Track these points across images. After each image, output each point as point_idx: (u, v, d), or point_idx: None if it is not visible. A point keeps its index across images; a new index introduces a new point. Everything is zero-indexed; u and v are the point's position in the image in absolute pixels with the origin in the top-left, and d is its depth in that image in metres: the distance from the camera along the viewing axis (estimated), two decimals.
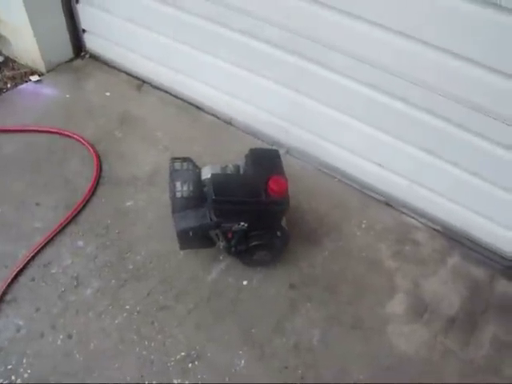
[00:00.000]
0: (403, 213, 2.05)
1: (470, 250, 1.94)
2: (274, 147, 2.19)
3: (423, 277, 1.84)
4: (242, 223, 1.61)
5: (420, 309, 1.75)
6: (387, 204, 2.07)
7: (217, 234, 1.65)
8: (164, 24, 2.21)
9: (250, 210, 1.59)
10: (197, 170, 1.69)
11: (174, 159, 1.67)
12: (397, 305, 1.75)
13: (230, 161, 1.73)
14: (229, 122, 2.34)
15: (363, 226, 1.99)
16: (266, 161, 1.67)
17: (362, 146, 2.02)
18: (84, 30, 2.53)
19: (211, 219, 1.59)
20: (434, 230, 2.00)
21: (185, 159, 1.68)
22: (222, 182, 1.57)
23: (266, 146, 2.25)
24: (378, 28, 1.60)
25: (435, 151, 1.82)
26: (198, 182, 1.63)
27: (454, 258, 1.91)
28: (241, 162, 1.72)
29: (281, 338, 1.63)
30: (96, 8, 2.35)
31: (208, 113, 2.39)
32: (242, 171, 1.70)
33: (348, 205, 2.06)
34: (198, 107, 2.41)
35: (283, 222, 1.71)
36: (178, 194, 1.58)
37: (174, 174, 1.63)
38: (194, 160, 1.71)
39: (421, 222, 2.01)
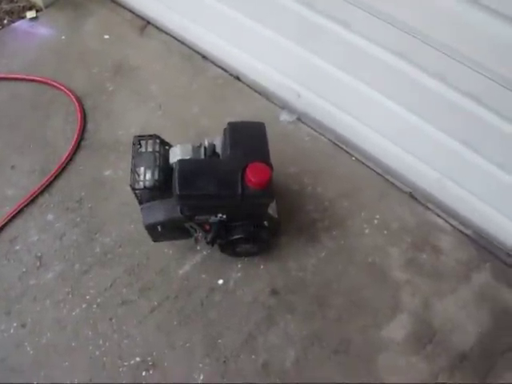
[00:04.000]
0: (429, 209, 1.67)
1: (504, 266, 1.55)
2: (285, 110, 1.86)
3: (437, 295, 1.50)
4: (220, 215, 1.34)
5: (424, 337, 1.44)
6: (411, 196, 1.69)
7: (191, 226, 1.40)
8: None
9: (225, 204, 1.31)
10: (166, 147, 1.41)
11: (139, 138, 1.39)
12: (396, 328, 1.45)
13: None
14: (236, 77, 1.99)
15: (375, 221, 1.64)
16: (248, 139, 1.35)
17: (387, 124, 1.62)
18: None
19: (182, 212, 1.34)
20: (464, 234, 1.61)
21: (151, 137, 1.39)
22: (188, 172, 1.27)
23: (275, 109, 1.91)
24: None
25: (477, 146, 1.40)
26: (165, 166, 1.36)
27: (483, 275, 1.54)
28: (218, 140, 1.41)
29: (249, 355, 1.42)
30: None
31: (215, 64, 2.04)
32: (219, 151, 1.41)
33: (362, 193, 1.70)
34: (204, 57, 2.07)
35: (272, 209, 1.42)
36: (141, 184, 1.32)
37: (136, 159, 1.36)
38: (161, 137, 1.41)
39: (449, 223, 1.63)
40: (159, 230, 1.39)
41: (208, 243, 1.44)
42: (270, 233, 1.45)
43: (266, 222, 1.41)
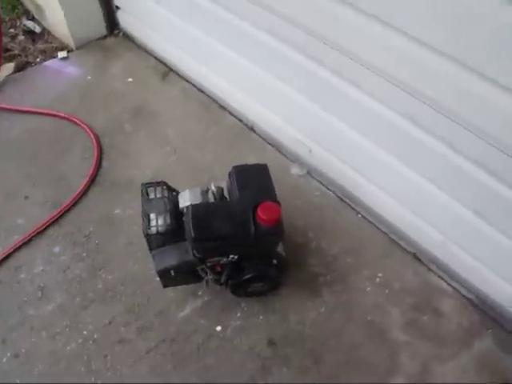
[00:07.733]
0: (431, 270, 1.66)
1: (507, 334, 1.53)
2: (296, 164, 1.91)
3: (437, 360, 1.48)
4: (232, 256, 1.37)
5: None
6: (415, 257, 1.69)
7: (203, 269, 1.41)
8: (194, 14, 1.95)
9: (238, 244, 1.34)
10: (173, 193, 1.44)
11: (146, 185, 1.43)
12: None
13: None
14: (251, 129, 2.06)
15: (377, 280, 1.64)
16: (254, 181, 1.40)
17: (394, 184, 1.64)
18: (117, 7, 2.34)
19: (194, 255, 1.35)
20: (467, 299, 1.60)
21: (158, 184, 1.43)
22: (202, 217, 1.30)
23: (287, 161, 1.96)
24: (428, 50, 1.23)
25: (483, 213, 1.42)
26: (176, 212, 1.39)
27: (485, 341, 1.51)
28: (224, 183, 1.46)
29: None
30: None
31: (231, 114, 2.12)
32: (226, 193, 1.45)
33: (366, 250, 1.71)
34: (221, 106, 2.15)
35: (280, 248, 1.45)
36: (154, 230, 1.34)
37: (146, 205, 1.39)
38: (172, 182, 1.45)
39: (451, 286, 1.62)
40: (172, 274, 1.40)
41: (221, 284, 1.46)
42: (279, 271, 1.47)
43: (275, 260, 1.44)
